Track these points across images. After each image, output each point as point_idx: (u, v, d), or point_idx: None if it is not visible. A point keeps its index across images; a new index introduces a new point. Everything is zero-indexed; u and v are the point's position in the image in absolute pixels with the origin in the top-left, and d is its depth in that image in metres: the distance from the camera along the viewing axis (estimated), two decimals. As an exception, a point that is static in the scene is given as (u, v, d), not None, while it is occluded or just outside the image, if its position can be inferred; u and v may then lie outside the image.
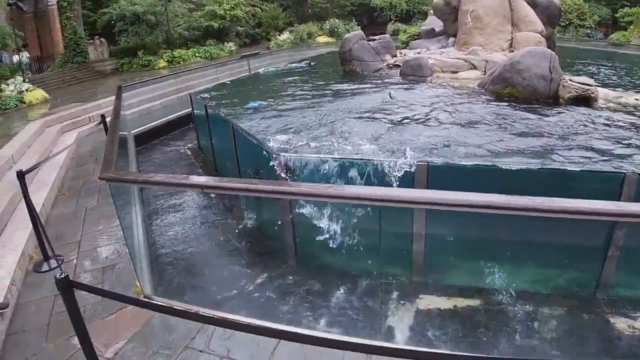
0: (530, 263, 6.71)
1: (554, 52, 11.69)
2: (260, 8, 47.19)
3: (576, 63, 21.16)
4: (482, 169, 6.63)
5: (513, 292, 6.53)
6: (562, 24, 40.11)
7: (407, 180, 6.69)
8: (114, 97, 11.79)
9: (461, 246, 6.82)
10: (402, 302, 6.45)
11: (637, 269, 6.48)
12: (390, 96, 11.99)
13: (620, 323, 5.96)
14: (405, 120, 9.76)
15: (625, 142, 8.23)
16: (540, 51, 11.75)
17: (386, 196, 3.06)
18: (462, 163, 6.89)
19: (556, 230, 6.03)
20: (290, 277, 7.15)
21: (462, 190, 2.89)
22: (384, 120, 9.79)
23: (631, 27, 42.03)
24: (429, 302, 6.43)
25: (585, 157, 7.45)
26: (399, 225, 6.74)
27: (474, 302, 6.40)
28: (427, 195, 3.08)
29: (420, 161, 6.69)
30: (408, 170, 6.70)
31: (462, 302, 6.40)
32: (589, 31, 42.17)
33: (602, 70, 19.20)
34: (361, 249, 7.02)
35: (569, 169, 6.59)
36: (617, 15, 44.23)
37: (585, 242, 6.42)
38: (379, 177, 6.86)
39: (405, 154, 7.16)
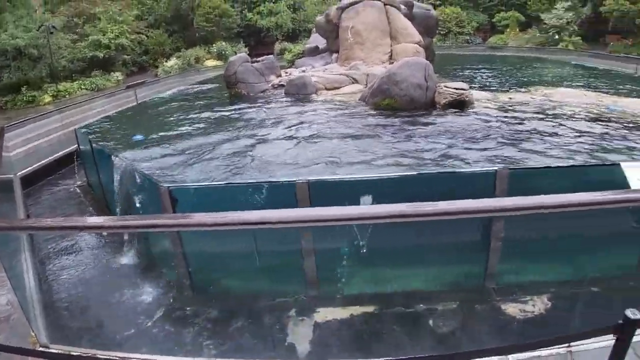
0: (421, 264, 6.85)
1: (428, 62, 12.12)
2: (146, 35, 46.34)
3: (456, 69, 22.05)
4: (363, 181, 6.74)
5: (407, 294, 6.64)
6: (441, 32, 41.87)
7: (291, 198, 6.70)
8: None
9: (352, 256, 6.87)
10: (300, 318, 6.44)
11: (519, 257, 6.77)
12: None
13: (511, 308, 6.22)
14: (287, 139, 9.80)
15: (495, 137, 8.64)
16: (415, 61, 12.14)
17: (266, 219, 3.03)
18: (343, 177, 6.98)
19: (441, 230, 6.18)
20: (189, 308, 6.99)
21: (346, 204, 2.90)
22: (266, 141, 9.80)
23: (507, 30, 44.49)
24: (326, 314, 6.45)
25: (460, 158, 7.78)
26: (287, 243, 6.75)
27: (370, 309, 6.47)
28: (304, 214, 3.10)
29: (300, 179, 6.71)
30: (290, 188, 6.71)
31: (358, 310, 6.46)
32: (469, 37, 44.24)
33: (480, 73, 20.10)
34: (256, 271, 6.96)
35: (444, 171, 6.82)
36: (494, 20, 46.70)
37: (469, 238, 6.65)
38: (266, 199, 6.82)
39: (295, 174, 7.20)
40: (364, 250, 6.69)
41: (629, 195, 3.62)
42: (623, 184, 5.53)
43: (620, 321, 2.56)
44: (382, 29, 18.59)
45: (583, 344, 4.21)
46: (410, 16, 19.80)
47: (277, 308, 6.67)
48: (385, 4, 19.11)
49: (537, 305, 6.25)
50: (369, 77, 15.31)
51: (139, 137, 11.34)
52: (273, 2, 49.30)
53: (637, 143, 8.43)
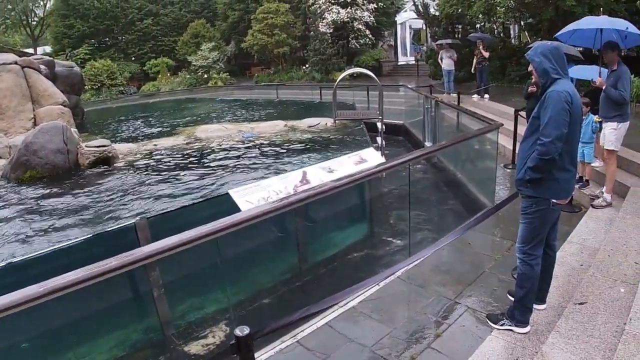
0: (100, 333, 6.59)
1: (65, 124, 11.79)
2: None
3: (109, 122, 21.84)
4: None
5: None
6: (94, 87, 41.11)
7: None
8: None
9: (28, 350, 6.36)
10: None
11: (185, 295, 6.91)
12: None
13: (195, 347, 6.29)
14: None
15: (139, 188, 8.80)
16: (52, 126, 11.69)
17: None
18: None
19: (105, 293, 6.03)
20: None
21: None
22: None
23: (159, 76, 45.45)
24: None
25: (109, 217, 7.74)
26: None
27: None
28: None
29: None
30: None
31: None
32: (122, 88, 43.98)
33: (131, 124, 20.18)
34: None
35: (83, 237, 6.69)
36: (145, 68, 47.34)
37: (127, 296, 6.59)
38: None
39: None
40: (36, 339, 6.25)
41: (240, 217, 4.20)
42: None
43: (233, 341, 2.84)
44: (22, 93, 17.51)
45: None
46: (51, 76, 19.09)
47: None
48: (23, 67, 18.12)
49: (217, 334, 6.45)
50: (11, 150, 14.22)
51: None
52: None
53: (259, 160, 9.28)
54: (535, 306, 4.63)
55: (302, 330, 5.13)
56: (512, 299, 4.68)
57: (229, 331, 6.47)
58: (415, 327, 4.97)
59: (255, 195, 5.74)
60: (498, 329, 4.59)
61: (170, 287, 6.65)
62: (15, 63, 18.15)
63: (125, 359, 6.47)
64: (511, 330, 4.51)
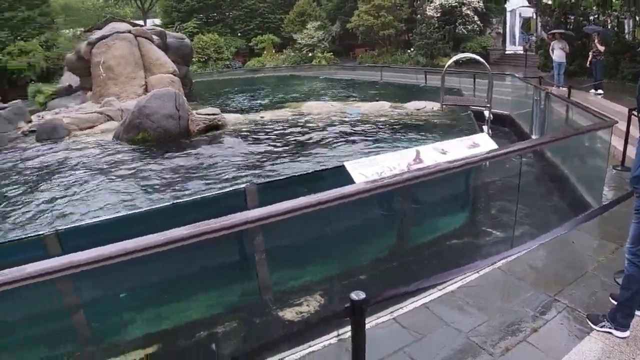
0: (195, 293, 6.88)
1: (177, 91, 12.22)
2: None
3: (216, 94, 22.39)
4: (116, 221, 6.66)
5: (189, 325, 6.65)
6: (201, 60, 42.24)
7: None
8: None
9: (128, 298, 6.73)
10: (80, 377, 6.13)
11: (286, 263, 7.08)
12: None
13: (289, 313, 6.39)
14: (34, 190, 9.32)
15: (247, 155, 9.06)
16: (165, 92, 12.16)
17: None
18: (94, 221, 6.83)
19: (204, 254, 6.29)
20: None
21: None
22: (19, 198, 9.26)
23: (264, 52, 46.19)
24: (104, 366, 6.21)
25: (219, 179, 8.03)
26: (45, 300, 6.43)
27: (152, 349, 6.32)
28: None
29: (48, 231, 6.44)
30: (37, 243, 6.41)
31: (140, 354, 6.29)
32: (228, 62, 45.04)
33: (238, 96, 20.64)
34: (21, 342, 6.52)
35: (196, 197, 6.97)
36: (251, 44, 48.22)
37: (234, 257, 6.83)
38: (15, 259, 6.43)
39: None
40: (134, 290, 6.62)
41: (355, 189, 4.21)
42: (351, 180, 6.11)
43: (348, 304, 2.87)
44: (135, 61, 18.40)
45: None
46: (163, 46, 19.85)
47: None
48: (136, 36, 18.97)
49: (312, 304, 6.51)
50: (123, 113, 14.98)
51: None
52: (24, 41, 46.03)
53: (369, 139, 9.33)
54: (637, 312, 4.47)
55: (400, 308, 5.16)
56: (615, 302, 4.53)
57: (323, 302, 6.58)
58: (512, 319, 4.89)
59: (369, 170, 5.77)
60: (597, 331, 4.46)
61: (271, 253, 6.85)
62: (129, 32, 18.99)
63: (221, 318, 6.76)
64: (610, 333, 4.36)
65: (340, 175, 7.13)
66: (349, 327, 4.54)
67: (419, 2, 37.00)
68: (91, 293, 6.51)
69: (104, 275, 6.24)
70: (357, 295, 2.85)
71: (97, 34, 19.70)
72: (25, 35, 46.00)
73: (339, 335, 4.57)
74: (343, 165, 6.95)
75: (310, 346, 4.51)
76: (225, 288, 7.03)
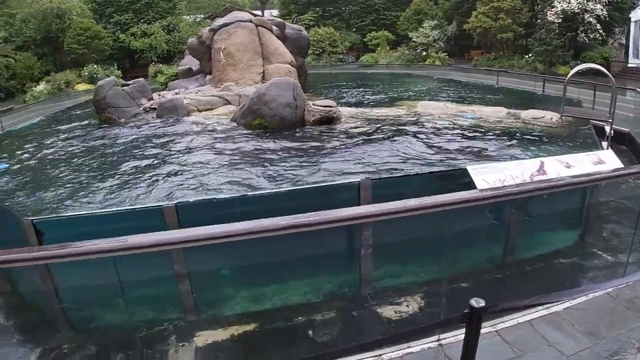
0: (297, 278, 6.98)
1: (296, 81, 12.45)
2: (14, 58, 43.61)
3: (329, 86, 22.55)
4: (231, 200, 6.85)
5: (287, 309, 6.74)
6: (316, 52, 42.73)
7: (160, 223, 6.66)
8: None
9: (230, 276, 6.91)
10: (180, 344, 6.36)
11: (391, 261, 7.05)
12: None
13: (387, 311, 6.42)
14: (156, 164, 9.74)
15: (357, 149, 9.07)
16: (284, 81, 12.43)
17: (137, 244, 3.08)
18: (211, 197, 7.05)
19: (315, 242, 6.35)
20: (66, 347, 6.68)
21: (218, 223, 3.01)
22: (134, 168, 9.72)
23: (378, 48, 46.10)
24: (206, 337, 6.38)
25: (330, 171, 8.11)
26: (161, 269, 6.68)
27: (250, 327, 6.49)
28: (172, 237, 3.16)
29: (167, 203, 6.70)
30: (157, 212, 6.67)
31: (238, 330, 6.46)
32: (342, 56, 45.35)
33: (351, 90, 20.69)
34: (131, 301, 6.81)
35: (311, 186, 7.04)
36: (365, 39, 48.31)
37: (341, 248, 6.86)
38: (134, 225, 6.73)
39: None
40: (245, 269, 6.78)
41: (478, 194, 4.05)
42: (472, 186, 5.96)
43: (467, 310, 2.83)
44: (255, 50, 18.85)
45: (452, 336, 4.50)
46: (282, 37, 20.19)
47: (157, 337, 6.57)
48: (257, 26, 19.43)
49: (411, 305, 6.51)
50: (241, 98, 15.47)
51: (1, 166, 10.86)
52: (147, 24, 48.25)
53: (489, 146, 9.09)
54: None
55: (502, 322, 5.01)
56: None
57: (423, 304, 6.51)
58: (618, 347, 4.65)
59: (492, 176, 5.66)
60: None
61: (377, 248, 6.80)
62: (250, 21, 19.45)
63: (318, 306, 6.78)
64: None
65: (456, 178, 7.00)
66: (451, 333, 4.49)
67: (539, 6, 35.67)
68: (199, 266, 6.74)
69: (215, 251, 6.43)
70: (477, 302, 2.83)
71: (220, 21, 20.41)
72: (148, 18, 48.13)
73: (439, 339, 4.48)
74: (461, 169, 6.81)
75: (409, 347, 4.49)
76: (326, 277, 7.08)
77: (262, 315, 6.75)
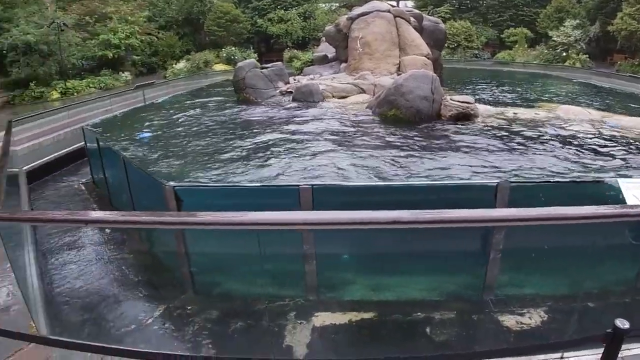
0: (421, 273, 6.97)
1: (435, 75, 12.31)
2: (157, 37, 46.03)
3: (463, 82, 22.14)
4: (365, 188, 6.92)
5: (406, 302, 6.75)
6: (450, 46, 42.06)
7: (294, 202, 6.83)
8: (3, 133, 11.28)
9: (353, 263, 7.00)
10: (299, 321, 6.53)
11: (518, 269, 6.87)
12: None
13: (508, 320, 6.27)
14: (294, 146, 9.98)
15: (498, 150, 8.84)
16: (422, 74, 12.33)
17: (271, 220, 3.15)
18: (347, 184, 7.16)
19: (442, 239, 6.30)
20: (189, 307, 7.05)
21: (347, 209, 3.01)
22: (272, 145, 10.02)
23: (516, 46, 44.64)
24: (324, 319, 6.50)
25: (465, 169, 8.01)
26: (290, 247, 6.86)
27: (368, 315, 6.52)
28: (308, 217, 3.21)
29: (304, 184, 6.84)
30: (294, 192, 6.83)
31: (356, 317, 6.51)
32: (477, 52, 44.39)
33: (486, 88, 20.22)
34: (257, 273, 7.04)
35: (447, 182, 6.99)
36: (502, 35, 46.92)
37: (469, 248, 6.77)
38: (270, 202, 6.96)
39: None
40: (368, 257, 6.85)
41: (625, 210, 3.73)
42: (618, 200, 5.67)
43: (610, 330, 2.71)
44: (392, 40, 18.80)
45: (576, 354, 4.30)
46: (419, 29, 19.99)
47: (277, 311, 6.75)
48: (395, 16, 19.38)
49: (534, 317, 6.30)
50: (376, 88, 15.52)
51: (145, 135, 11.47)
52: (284, 10, 49.53)
53: (634, 160, 8.61)
54: None
55: (627, 349, 4.70)
56: None
57: (546, 318, 6.27)
58: None
59: (644, 192, 5.31)
60: None
61: (506, 254, 6.63)
62: (389, 12, 19.41)
63: (438, 304, 6.70)
64: None
65: (599, 190, 6.66)
66: (575, 352, 4.27)
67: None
68: (326, 249, 6.85)
69: (337, 236, 6.52)
70: (622, 323, 2.66)
71: (358, 10, 20.47)
72: (285, 4, 49.47)
73: (562, 357, 4.28)
74: (602, 181, 6.49)
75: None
76: (449, 276, 6.98)
77: (381, 305, 6.75)
